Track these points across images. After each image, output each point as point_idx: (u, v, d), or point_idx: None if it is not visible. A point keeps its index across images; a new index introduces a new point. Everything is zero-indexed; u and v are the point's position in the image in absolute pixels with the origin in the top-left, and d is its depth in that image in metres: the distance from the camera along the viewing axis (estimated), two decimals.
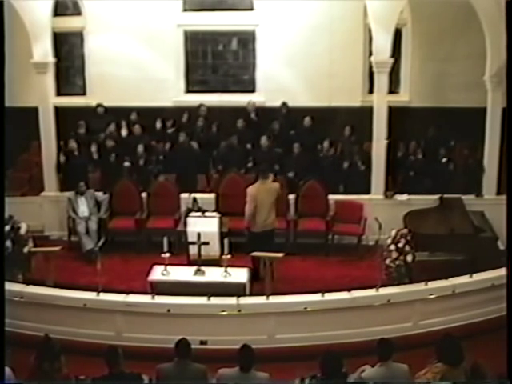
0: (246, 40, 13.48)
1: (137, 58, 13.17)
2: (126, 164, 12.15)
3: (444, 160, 12.01)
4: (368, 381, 6.27)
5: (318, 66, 13.05)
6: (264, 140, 12.27)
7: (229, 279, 9.31)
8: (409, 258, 9.36)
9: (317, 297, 8.96)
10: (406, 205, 11.32)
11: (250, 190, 10.10)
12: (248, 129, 12.80)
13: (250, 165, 12.28)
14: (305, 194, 11.55)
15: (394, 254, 9.37)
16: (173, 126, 12.97)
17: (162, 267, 9.40)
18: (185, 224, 10.40)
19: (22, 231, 9.91)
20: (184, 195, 11.53)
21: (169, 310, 8.75)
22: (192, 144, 12.52)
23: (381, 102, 11.40)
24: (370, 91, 12.52)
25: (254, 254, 9.67)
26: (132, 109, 13.00)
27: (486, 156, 11.61)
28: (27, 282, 9.37)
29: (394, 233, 9.51)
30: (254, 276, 9.83)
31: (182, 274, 9.51)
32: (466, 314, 9.14)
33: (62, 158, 11.96)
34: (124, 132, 12.70)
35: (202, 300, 8.83)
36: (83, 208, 11.40)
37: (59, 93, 13.48)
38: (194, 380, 6.43)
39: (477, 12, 10.88)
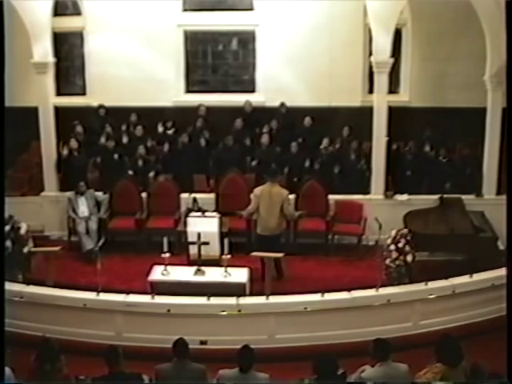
0: (246, 40, 13.48)
1: (137, 58, 13.17)
2: (127, 164, 12.16)
3: (444, 160, 12.01)
4: (368, 381, 6.27)
5: (318, 66, 13.05)
6: (265, 139, 12.26)
7: (229, 279, 9.31)
8: (409, 257, 9.36)
9: (317, 297, 8.96)
10: (405, 205, 11.32)
11: (255, 190, 10.24)
12: (247, 128, 12.80)
13: (253, 163, 12.26)
14: (305, 194, 11.54)
15: (394, 254, 9.38)
16: (173, 126, 12.98)
17: (162, 267, 9.40)
18: (185, 224, 10.42)
19: (22, 231, 9.92)
20: (184, 195, 11.54)
21: (169, 310, 8.76)
22: (191, 144, 12.52)
23: (381, 102, 11.40)
24: (370, 91, 12.52)
25: (254, 254, 9.67)
26: (132, 109, 13.01)
27: (485, 156, 11.60)
28: (27, 282, 9.38)
29: (394, 233, 9.51)
30: (278, 276, 10.09)
31: (182, 273, 9.51)
32: (466, 314, 9.14)
33: (63, 158, 11.98)
34: (125, 139, 12.66)
35: (202, 300, 8.84)
36: (83, 208, 11.40)
37: (59, 93, 13.48)
38: (192, 380, 6.43)
39: (477, 12, 10.88)
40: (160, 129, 12.94)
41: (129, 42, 13.14)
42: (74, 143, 12.06)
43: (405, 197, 11.61)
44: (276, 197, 10.07)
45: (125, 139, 12.66)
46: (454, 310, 9.11)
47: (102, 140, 12.56)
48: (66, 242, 11.33)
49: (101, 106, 13.00)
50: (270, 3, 13.02)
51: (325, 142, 12.35)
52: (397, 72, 12.91)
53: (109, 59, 13.14)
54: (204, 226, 9.97)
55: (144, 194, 11.76)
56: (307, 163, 12.06)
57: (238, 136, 12.56)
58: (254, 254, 9.67)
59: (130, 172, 12.08)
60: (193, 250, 9.85)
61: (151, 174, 12.12)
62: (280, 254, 9.66)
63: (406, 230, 9.56)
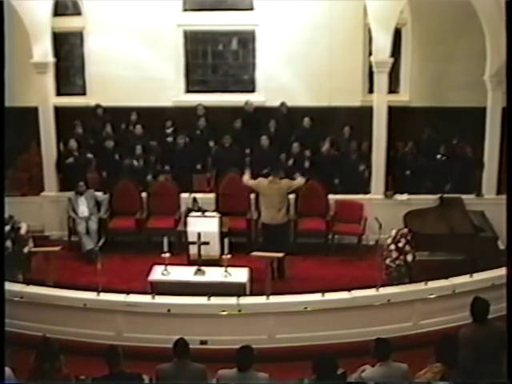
0: (246, 40, 13.48)
1: (137, 58, 13.17)
2: (126, 163, 12.16)
3: (444, 160, 12.01)
4: (368, 381, 6.27)
5: (317, 66, 13.05)
6: (264, 140, 12.24)
7: (229, 279, 9.31)
8: (409, 257, 9.36)
9: (317, 297, 8.97)
10: (405, 205, 11.32)
11: (254, 181, 10.45)
12: (247, 128, 12.80)
13: (247, 164, 12.24)
14: (305, 194, 11.53)
15: (394, 254, 9.38)
16: (172, 125, 12.97)
17: (162, 267, 9.40)
18: (185, 224, 10.42)
19: (22, 231, 9.92)
20: (184, 195, 11.54)
21: (169, 310, 8.76)
22: (191, 144, 12.51)
23: (381, 102, 11.40)
24: (370, 91, 12.51)
25: (254, 253, 9.67)
26: (132, 109, 13.01)
27: (485, 156, 11.60)
28: (27, 282, 9.38)
29: (394, 232, 9.52)
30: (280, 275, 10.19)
31: (182, 273, 9.52)
32: (466, 314, 9.07)
33: (63, 158, 11.98)
34: (124, 139, 12.64)
35: (202, 300, 8.84)
36: (83, 208, 11.40)
37: (59, 93, 13.48)
38: (193, 380, 6.43)
39: (477, 12, 10.88)
40: (160, 128, 12.93)
41: (129, 42, 13.14)
42: (73, 143, 12.06)
43: (405, 197, 11.61)
44: (279, 188, 10.19)
45: (124, 139, 12.65)
46: (453, 310, 9.07)
47: (102, 140, 12.56)
48: (66, 242, 11.32)
49: (98, 106, 13.00)
50: (270, 3, 13.02)
51: (326, 142, 12.34)
52: (397, 72, 12.91)
53: (109, 59, 13.14)
54: (204, 226, 9.97)
55: (144, 194, 11.76)
56: (307, 163, 12.06)
57: (238, 136, 12.55)
58: (255, 253, 9.66)
59: (126, 163, 12.10)
60: (193, 249, 9.85)
61: (150, 175, 12.12)
62: (280, 254, 9.65)
63: (406, 230, 9.56)
